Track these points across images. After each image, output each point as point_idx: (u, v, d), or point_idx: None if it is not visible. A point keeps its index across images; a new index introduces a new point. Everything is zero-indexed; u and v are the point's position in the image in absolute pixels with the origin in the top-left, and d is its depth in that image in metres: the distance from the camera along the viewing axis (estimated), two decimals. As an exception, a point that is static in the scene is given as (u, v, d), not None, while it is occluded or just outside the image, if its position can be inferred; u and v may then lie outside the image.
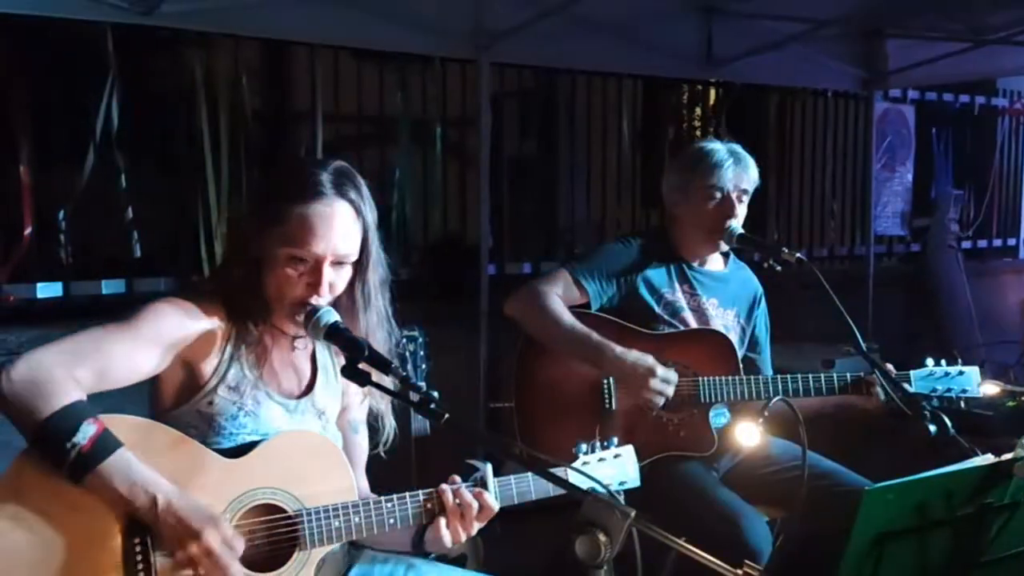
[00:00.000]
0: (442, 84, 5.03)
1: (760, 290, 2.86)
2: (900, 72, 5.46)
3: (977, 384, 2.58)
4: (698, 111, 6.54)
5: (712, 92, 6.33)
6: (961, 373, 2.57)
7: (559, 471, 1.81)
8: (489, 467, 1.88)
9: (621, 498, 1.78)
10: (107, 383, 1.69)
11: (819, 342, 4.01)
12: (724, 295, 2.77)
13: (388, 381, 1.73)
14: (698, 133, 6.27)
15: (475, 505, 1.82)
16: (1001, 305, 6.88)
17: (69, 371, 1.62)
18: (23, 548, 1.59)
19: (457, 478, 1.87)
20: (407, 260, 4.98)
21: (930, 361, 2.57)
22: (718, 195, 2.66)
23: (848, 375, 2.60)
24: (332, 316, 1.76)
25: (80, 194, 4.05)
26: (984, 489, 1.78)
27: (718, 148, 2.70)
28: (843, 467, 2.63)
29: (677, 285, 2.72)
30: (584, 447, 1.96)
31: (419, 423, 2.95)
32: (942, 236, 6.63)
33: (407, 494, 1.82)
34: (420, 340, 2.97)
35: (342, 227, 1.78)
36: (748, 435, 2.32)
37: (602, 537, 1.51)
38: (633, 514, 1.50)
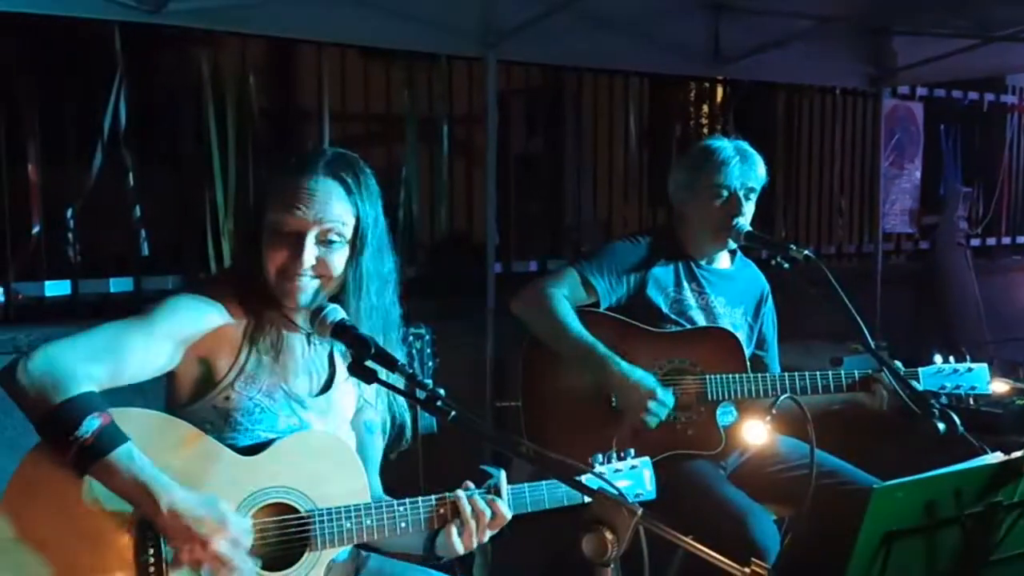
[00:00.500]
0: (448, 82, 5.03)
1: (767, 287, 2.86)
2: (908, 69, 5.43)
3: (987, 381, 2.57)
4: (705, 109, 6.52)
5: (719, 89, 6.32)
6: (970, 370, 2.55)
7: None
8: (503, 474, 1.88)
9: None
10: (122, 378, 1.69)
11: (827, 340, 4.00)
12: (731, 293, 2.76)
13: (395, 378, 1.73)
14: (705, 131, 6.25)
15: (488, 513, 1.82)
16: (1010, 303, 6.85)
17: (84, 365, 1.63)
18: (36, 541, 1.60)
19: (471, 484, 1.86)
20: (413, 258, 4.98)
21: (938, 358, 2.56)
22: (725, 193, 2.65)
23: (856, 373, 2.59)
24: (339, 314, 1.76)
25: (88, 193, 4.05)
26: (993, 487, 1.78)
27: (724, 146, 2.69)
28: (851, 465, 2.62)
29: (685, 283, 2.71)
30: (600, 457, 1.96)
31: (426, 421, 2.95)
32: (951, 234, 6.60)
33: (419, 498, 1.82)
34: (427, 338, 2.98)
35: (329, 203, 1.78)
36: (755, 433, 2.31)
37: (609, 535, 1.50)
38: (640, 512, 1.50)
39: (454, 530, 1.80)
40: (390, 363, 1.69)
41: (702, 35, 4.75)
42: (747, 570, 1.47)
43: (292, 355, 1.86)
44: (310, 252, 1.77)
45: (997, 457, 1.82)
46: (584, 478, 1.67)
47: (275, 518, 1.74)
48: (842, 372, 2.59)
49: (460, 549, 1.81)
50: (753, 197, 2.69)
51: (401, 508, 1.80)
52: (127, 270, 4.10)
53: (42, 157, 3.94)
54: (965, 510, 1.76)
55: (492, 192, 4.49)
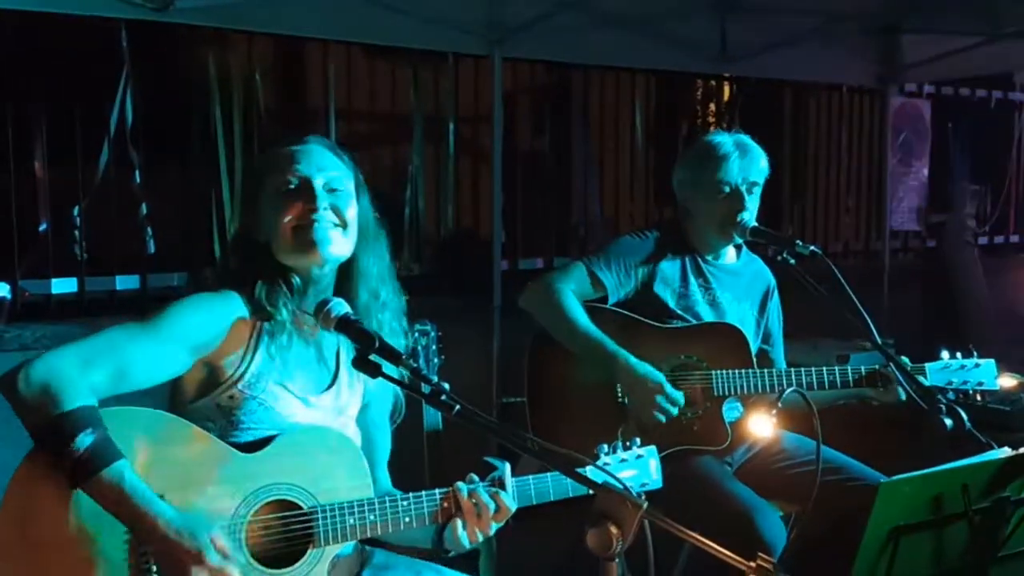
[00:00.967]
0: (455, 80, 5.03)
1: (773, 282, 2.85)
2: (916, 67, 5.41)
3: (994, 377, 2.55)
4: (712, 107, 6.51)
5: (726, 87, 6.30)
6: (977, 366, 2.54)
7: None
8: (507, 466, 1.87)
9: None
10: (126, 385, 1.68)
11: (834, 337, 3.99)
12: (738, 288, 2.76)
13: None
14: (712, 129, 6.23)
15: (492, 506, 1.81)
16: (1020, 301, 6.81)
17: (84, 374, 1.61)
18: (32, 548, 1.59)
19: (475, 477, 1.86)
20: (420, 256, 4.99)
21: (945, 353, 2.54)
22: (727, 189, 2.64)
23: (863, 368, 2.58)
24: (343, 307, 1.75)
25: (95, 190, 4.06)
26: (1001, 482, 1.77)
27: (724, 141, 2.68)
28: (857, 461, 2.61)
29: (692, 278, 2.70)
30: (606, 447, 1.95)
31: (431, 419, 2.94)
32: (959, 232, 6.56)
33: (423, 493, 1.81)
34: (432, 335, 2.96)
35: (321, 155, 1.84)
36: (761, 427, 2.30)
37: (614, 529, 1.50)
38: (645, 506, 1.49)
39: (459, 524, 1.80)
40: (394, 357, 1.68)
41: (709, 32, 4.75)
42: (753, 564, 1.46)
43: (297, 352, 1.85)
44: (322, 194, 1.79)
45: (1005, 452, 1.81)
46: (588, 470, 1.67)
47: (278, 515, 1.74)
48: (848, 368, 2.57)
49: (466, 543, 1.80)
50: (756, 191, 2.68)
51: (405, 503, 1.79)
52: (134, 268, 4.11)
53: (49, 155, 3.95)
54: (973, 505, 1.75)
55: (498, 189, 4.49)
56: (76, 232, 4.01)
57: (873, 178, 6.61)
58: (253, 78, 4.50)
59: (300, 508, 1.74)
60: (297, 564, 1.73)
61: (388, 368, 1.67)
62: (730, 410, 2.65)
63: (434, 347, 2.95)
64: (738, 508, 2.39)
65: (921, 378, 2.45)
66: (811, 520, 2.27)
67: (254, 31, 4.16)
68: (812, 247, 2.54)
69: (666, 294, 2.66)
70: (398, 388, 1.98)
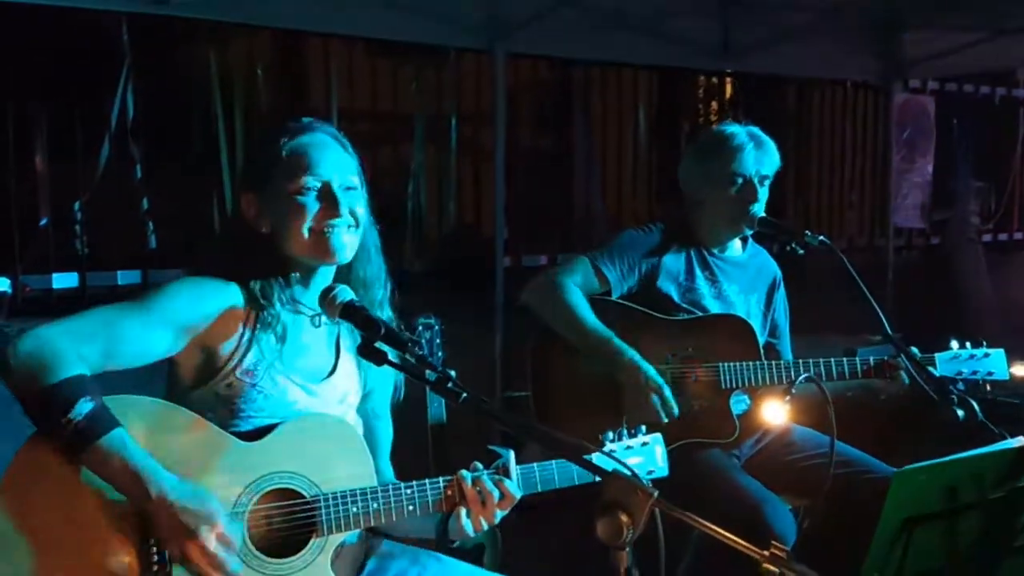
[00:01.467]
0: (457, 76, 5.01)
1: (779, 274, 2.82)
2: (920, 63, 5.39)
3: (1005, 367, 2.52)
4: (714, 105, 6.49)
5: (729, 84, 6.28)
6: (987, 356, 2.50)
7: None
8: (511, 454, 1.84)
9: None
10: (115, 363, 1.65)
11: (839, 332, 3.97)
12: (744, 280, 2.73)
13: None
14: (715, 126, 6.21)
15: (496, 494, 1.78)
16: (1023, 298, 6.79)
17: (75, 347, 1.59)
18: (33, 532, 1.57)
19: (479, 465, 1.83)
20: (422, 252, 4.97)
21: (955, 343, 2.51)
22: (739, 181, 2.61)
23: (871, 359, 2.55)
24: (348, 294, 1.73)
25: (96, 185, 4.05)
26: (1016, 472, 1.74)
27: (738, 132, 2.65)
28: (867, 455, 2.58)
29: (698, 271, 2.67)
30: (611, 435, 1.92)
31: (435, 410, 2.92)
32: (962, 229, 6.56)
33: (427, 481, 1.79)
34: (436, 328, 2.94)
35: (337, 153, 1.80)
36: (775, 414, 2.27)
37: (624, 518, 1.47)
38: (656, 494, 1.46)
39: (463, 512, 1.77)
40: (400, 344, 1.66)
41: (711, 28, 4.73)
42: (767, 553, 1.43)
43: (296, 339, 1.82)
44: (344, 200, 1.76)
45: (1019, 442, 1.78)
46: (595, 457, 1.64)
47: (280, 503, 1.71)
48: (857, 359, 2.55)
49: (471, 532, 1.77)
50: (767, 183, 2.65)
51: (408, 491, 1.76)
52: (135, 262, 4.10)
53: (50, 150, 3.93)
54: (987, 495, 1.72)
55: (501, 186, 4.47)
56: (77, 227, 4.01)
57: (877, 175, 6.60)
58: (254, 74, 4.49)
59: (302, 497, 1.71)
60: (300, 553, 1.71)
61: (393, 356, 1.65)
62: (737, 403, 2.62)
63: (438, 341, 2.93)
64: (747, 500, 2.36)
65: (931, 369, 2.42)
66: (822, 512, 2.24)
67: (255, 24, 4.14)
68: (821, 237, 2.51)
69: (671, 287, 2.63)
70: (399, 377, 1.96)
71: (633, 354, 2.47)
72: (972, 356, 2.50)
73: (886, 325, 2.33)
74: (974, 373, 2.49)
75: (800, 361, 2.55)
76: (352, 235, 1.79)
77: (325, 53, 4.72)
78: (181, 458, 1.62)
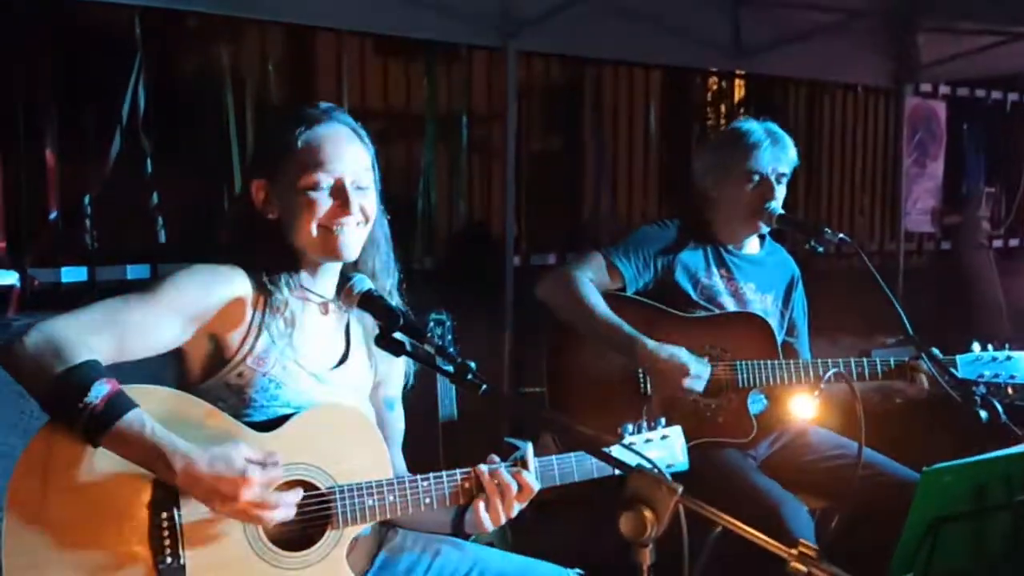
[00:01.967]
0: (468, 74, 5.00)
1: (797, 272, 2.79)
2: (932, 66, 5.37)
3: (1028, 369, 2.49)
4: (723, 108, 6.47)
5: (739, 85, 6.26)
6: (1009, 359, 2.47)
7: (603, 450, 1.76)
8: (530, 446, 1.81)
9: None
10: (125, 353, 1.63)
11: (852, 334, 3.94)
12: (762, 279, 2.70)
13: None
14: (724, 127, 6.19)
15: (514, 485, 1.75)
16: (1034, 305, 6.74)
17: (84, 337, 1.57)
18: (46, 521, 1.55)
19: (496, 458, 1.80)
20: (431, 250, 4.95)
21: (976, 345, 2.48)
22: (756, 178, 2.59)
23: (892, 360, 2.52)
24: (366, 284, 1.70)
25: (106, 179, 4.03)
26: (1046, 473, 1.71)
27: (755, 128, 2.63)
28: (886, 457, 2.55)
29: (714, 269, 2.65)
30: (630, 427, 1.89)
31: (447, 409, 2.90)
32: (973, 234, 6.52)
33: (444, 473, 1.76)
34: (448, 324, 2.92)
35: (352, 148, 1.76)
36: (804, 408, 2.25)
37: (648, 513, 1.44)
38: (680, 490, 1.44)
39: (481, 505, 1.74)
40: (419, 335, 1.64)
41: (723, 28, 4.72)
42: (795, 552, 1.41)
43: (306, 328, 1.80)
44: (355, 198, 1.73)
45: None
46: (614, 450, 1.61)
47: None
48: (877, 360, 2.51)
49: (488, 525, 1.75)
50: (784, 181, 2.63)
51: (425, 483, 1.74)
52: (144, 257, 4.07)
53: (60, 143, 3.91)
54: (1016, 496, 1.69)
55: (511, 185, 4.45)
56: (87, 220, 3.98)
57: (888, 179, 6.56)
58: (266, 70, 4.48)
59: (318, 489, 1.69)
60: (315, 546, 1.68)
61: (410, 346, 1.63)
62: (754, 403, 2.60)
63: (450, 336, 2.91)
64: (764, 501, 2.33)
65: (952, 371, 2.39)
66: (847, 514, 2.21)
67: (266, 19, 4.12)
68: (841, 235, 2.48)
69: (688, 284, 2.61)
70: (410, 367, 1.94)
71: (648, 340, 2.44)
72: (994, 359, 2.47)
73: (908, 325, 2.30)
74: (996, 376, 2.46)
75: (819, 361, 2.52)
76: (361, 230, 1.77)
77: (337, 49, 4.70)
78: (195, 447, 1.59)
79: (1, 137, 3.68)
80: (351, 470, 1.71)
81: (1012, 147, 7.23)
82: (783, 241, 2.90)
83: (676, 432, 1.95)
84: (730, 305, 2.62)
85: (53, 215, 3.94)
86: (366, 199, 1.76)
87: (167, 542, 1.58)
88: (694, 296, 2.60)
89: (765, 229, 2.66)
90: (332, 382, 1.81)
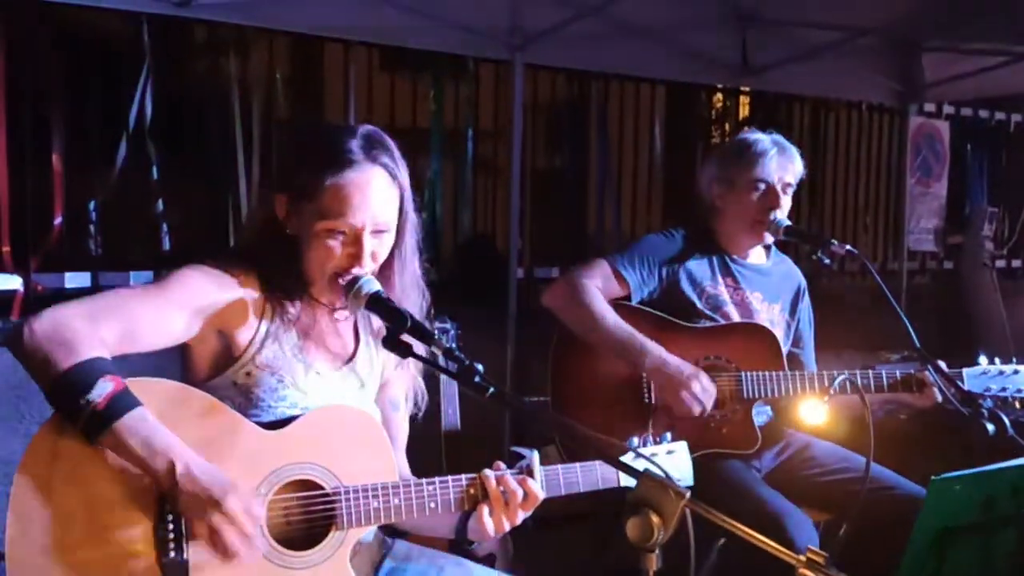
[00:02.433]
0: (475, 87, 5.02)
1: (803, 283, 2.79)
2: (936, 86, 5.38)
3: (1036, 383, 2.47)
4: (728, 125, 6.49)
5: (744, 102, 6.29)
6: (1016, 372, 2.46)
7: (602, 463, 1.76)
8: (536, 455, 1.81)
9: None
10: (133, 345, 1.63)
11: (856, 349, 3.93)
12: (768, 289, 2.70)
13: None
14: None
15: (520, 493, 1.75)
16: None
17: (94, 328, 1.56)
18: (51, 516, 1.54)
19: (502, 465, 1.80)
20: (435, 262, 4.95)
21: (983, 359, 2.47)
22: (762, 187, 2.60)
23: (898, 372, 2.51)
24: (374, 285, 1.70)
25: (111, 185, 4.04)
26: (1054, 484, 1.70)
27: (761, 138, 2.64)
28: (892, 472, 2.53)
29: (720, 278, 2.65)
30: (636, 441, 1.88)
31: (449, 418, 2.89)
32: (976, 254, 6.51)
33: (449, 478, 1.75)
34: (452, 332, 2.92)
35: (378, 195, 1.72)
36: (813, 413, 2.23)
37: (655, 518, 1.43)
38: (688, 495, 1.43)
39: (485, 511, 1.73)
40: (427, 337, 1.63)
41: (729, 45, 4.73)
42: (803, 558, 1.39)
43: (314, 330, 1.80)
44: (369, 246, 1.72)
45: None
46: (625, 458, 1.60)
47: (300, 495, 1.67)
48: (883, 371, 2.50)
49: (491, 531, 1.73)
50: (790, 191, 2.63)
51: (430, 488, 1.73)
52: (148, 264, 4.07)
53: (67, 148, 3.92)
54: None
55: (515, 198, 4.45)
56: (91, 226, 3.99)
57: (891, 197, 6.57)
58: (273, 80, 4.49)
59: (322, 489, 1.68)
60: (318, 546, 1.67)
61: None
62: (758, 414, 2.58)
63: (453, 344, 2.91)
64: (769, 512, 2.31)
65: (959, 383, 2.39)
66: (851, 526, 2.20)
67: (274, 28, 4.14)
68: (848, 247, 2.48)
69: (693, 293, 2.60)
70: (421, 386, 1.93)
71: (659, 350, 2.43)
72: (1001, 373, 2.46)
73: (913, 337, 2.30)
74: (1003, 390, 2.45)
75: (824, 373, 2.51)
76: (369, 272, 1.74)
77: (344, 61, 4.73)
78: (200, 443, 1.59)
79: (8, 142, 3.69)
80: (357, 471, 1.70)
81: (1015, 167, 7.25)
82: (788, 254, 2.90)
83: (682, 447, 1.95)
84: (735, 315, 2.62)
85: (58, 221, 3.94)
86: (381, 244, 1.74)
87: (171, 537, 1.57)
88: (699, 305, 2.59)
89: (770, 239, 2.66)
90: (338, 382, 1.81)
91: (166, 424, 1.56)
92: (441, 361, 1.70)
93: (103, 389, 1.50)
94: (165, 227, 4.20)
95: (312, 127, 4.26)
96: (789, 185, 2.63)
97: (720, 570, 2.50)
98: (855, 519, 2.14)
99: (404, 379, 1.94)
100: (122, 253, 4.10)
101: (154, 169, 4.15)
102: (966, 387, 2.41)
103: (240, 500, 1.55)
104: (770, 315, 2.67)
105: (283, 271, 1.75)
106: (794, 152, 2.64)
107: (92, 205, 4.00)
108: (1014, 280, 7.08)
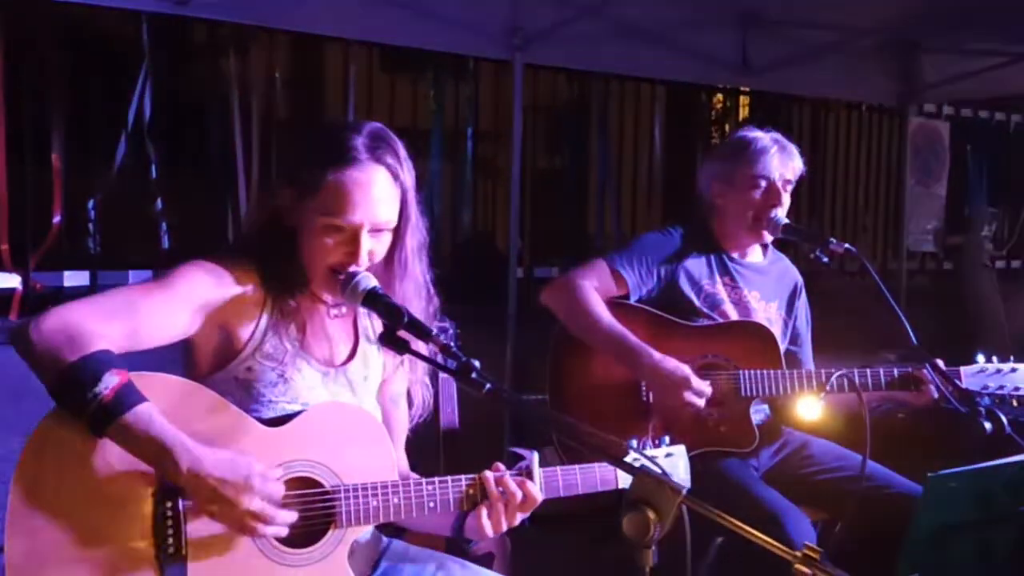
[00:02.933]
0: (475, 88, 5.02)
1: (800, 281, 2.79)
2: (935, 86, 5.38)
3: (1034, 381, 2.47)
4: (728, 125, 6.50)
5: (744, 102, 6.29)
6: (1014, 371, 2.46)
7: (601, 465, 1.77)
8: (535, 456, 1.81)
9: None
10: (138, 342, 1.63)
11: (853, 349, 3.92)
12: (765, 287, 2.70)
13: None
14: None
15: (519, 494, 1.75)
16: (1036, 326, 6.73)
17: (100, 326, 1.57)
18: (51, 507, 1.54)
19: (501, 466, 1.80)
20: (435, 261, 4.95)
21: (981, 357, 2.47)
22: (763, 184, 2.60)
23: (895, 370, 2.51)
24: (370, 281, 1.70)
25: (110, 184, 4.04)
26: (1051, 482, 1.70)
27: (762, 136, 2.64)
28: (888, 470, 2.53)
29: (717, 277, 2.65)
30: (634, 443, 1.88)
31: (448, 417, 2.89)
32: (976, 254, 6.51)
33: (448, 478, 1.76)
34: (451, 331, 2.91)
35: (379, 194, 1.72)
36: (810, 410, 2.23)
37: (652, 515, 1.44)
38: (684, 491, 1.43)
39: (484, 512, 1.74)
40: (423, 333, 1.63)
41: (730, 45, 4.73)
42: (799, 554, 1.39)
43: (315, 325, 1.80)
44: (366, 245, 1.72)
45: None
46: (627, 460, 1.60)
47: (300, 492, 1.67)
48: (880, 370, 2.50)
49: (489, 532, 1.74)
50: (790, 189, 2.63)
51: (430, 487, 1.73)
52: (147, 263, 4.08)
53: (66, 147, 3.93)
54: (1021, 505, 1.68)
55: (515, 198, 4.45)
56: (90, 225, 3.99)
57: (891, 198, 6.58)
58: (273, 80, 4.50)
59: (322, 486, 1.68)
60: (317, 544, 1.67)
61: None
62: (756, 412, 2.58)
63: (452, 343, 2.90)
64: (766, 511, 2.31)
65: (956, 382, 2.39)
66: (847, 524, 2.20)
67: (274, 28, 4.15)
68: (847, 245, 2.48)
69: (691, 292, 2.60)
70: (427, 394, 1.93)
71: (652, 352, 2.43)
72: (999, 371, 2.46)
73: (911, 334, 2.30)
74: (1000, 388, 2.45)
75: (822, 371, 2.51)
76: (364, 266, 1.74)
77: (344, 60, 4.73)
78: (205, 439, 1.58)
79: (8, 141, 3.70)
80: (356, 469, 1.70)
81: (1015, 168, 7.25)
82: (787, 252, 2.90)
83: (680, 451, 1.95)
84: (733, 313, 2.62)
85: (57, 219, 3.95)
86: (380, 243, 1.75)
87: (170, 531, 1.57)
88: (697, 304, 2.59)
89: (769, 238, 2.66)
90: (339, 379, 1.81)
91: (171, 419, 1.56)
92: (439, 359, 1.70)
93: (110, 382, 1.51)
94: (164, 226, 4.20)
95: (320, 123, 4.26)
96: (789, 182, 2.63)
97: (719, 570, 2.49)
98: (852, 517, 2.14)
99: (405, 376, 1.94)
100: (121, 252, 4.11)
101: (153, 168, 4.16)
102: (964, 385, 2.41)
103: (256, 493, 1.54)
104: (767, 314, 2.67)
105: (283, 265, 1.76)
106: (794, 150, 2.64)
107: (91, 204, 4.01)
108: (1013, 281, 7.08)
